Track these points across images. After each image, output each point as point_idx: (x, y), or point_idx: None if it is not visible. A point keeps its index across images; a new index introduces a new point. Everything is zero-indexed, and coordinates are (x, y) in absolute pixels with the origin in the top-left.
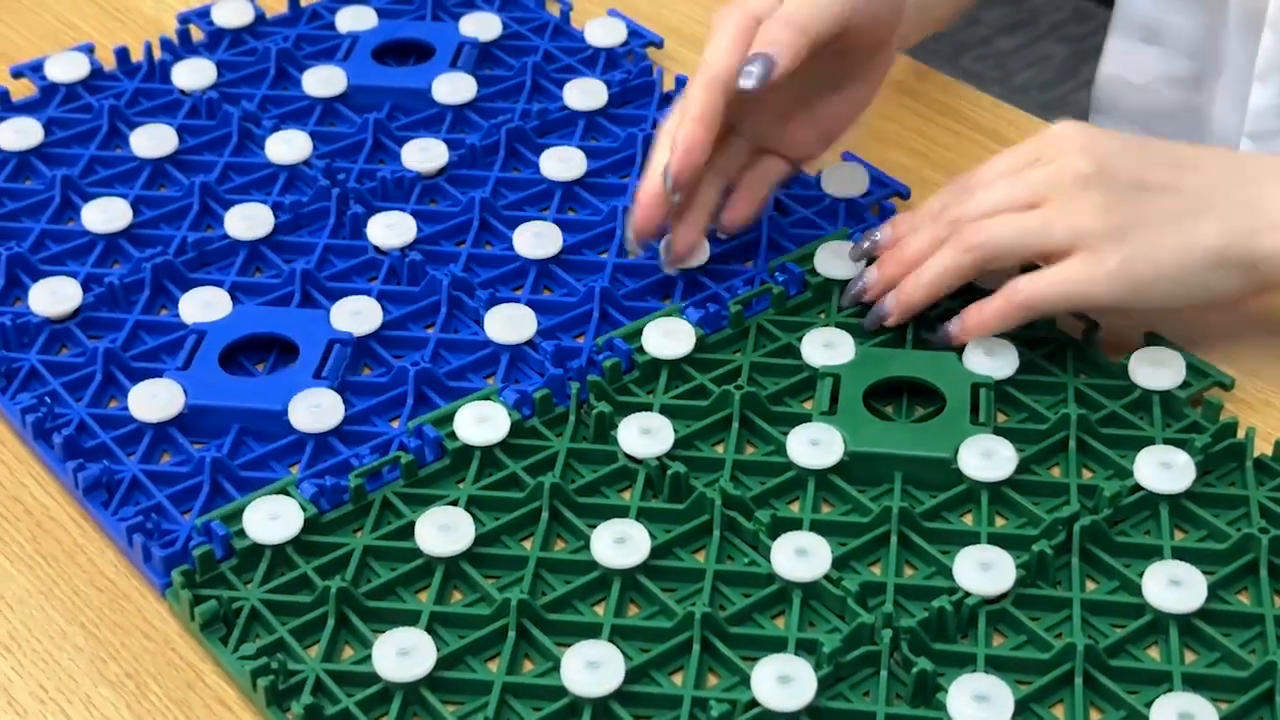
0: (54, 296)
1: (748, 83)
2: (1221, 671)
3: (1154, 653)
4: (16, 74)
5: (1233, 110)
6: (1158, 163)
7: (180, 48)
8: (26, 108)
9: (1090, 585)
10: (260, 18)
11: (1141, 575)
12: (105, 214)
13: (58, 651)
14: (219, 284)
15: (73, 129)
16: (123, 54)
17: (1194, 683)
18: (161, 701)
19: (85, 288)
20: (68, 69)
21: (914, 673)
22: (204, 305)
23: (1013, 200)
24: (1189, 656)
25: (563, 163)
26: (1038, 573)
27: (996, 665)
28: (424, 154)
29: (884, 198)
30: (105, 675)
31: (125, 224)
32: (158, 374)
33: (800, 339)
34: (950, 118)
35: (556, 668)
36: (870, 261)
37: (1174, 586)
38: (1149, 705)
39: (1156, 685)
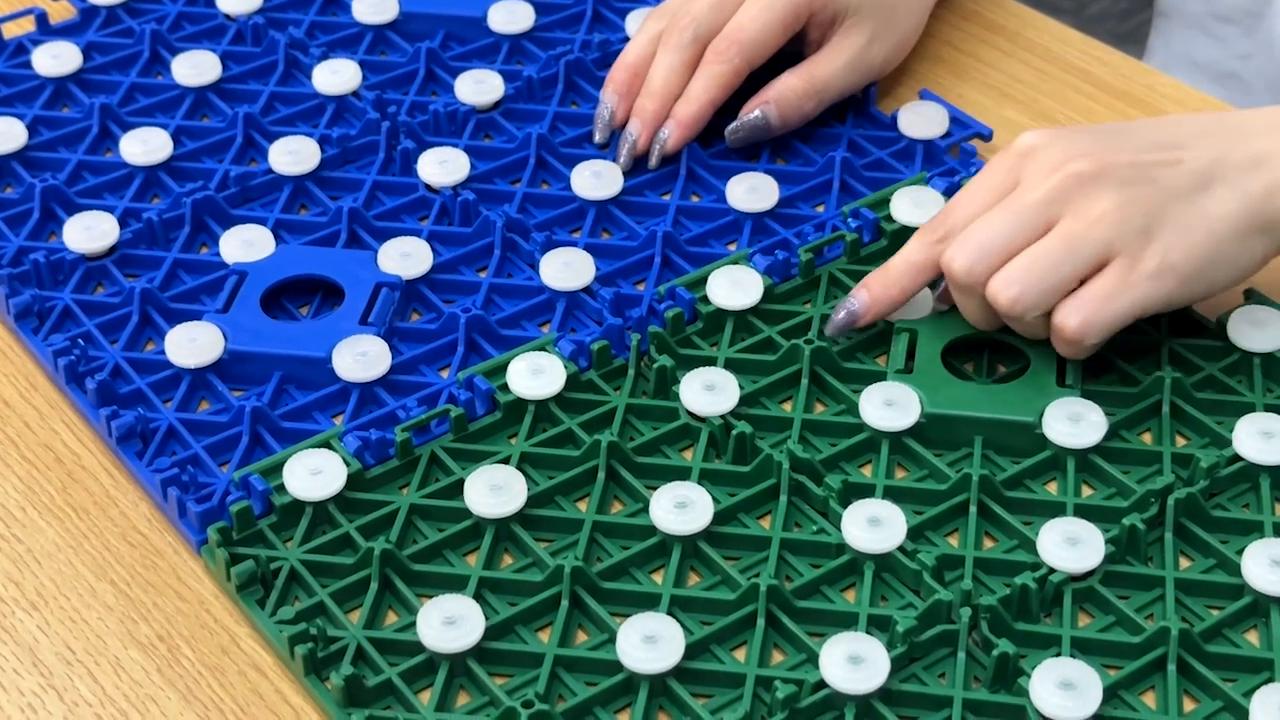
0: (89, 232)
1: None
2: None
3: (1253, 638)
4: None
5: None
6: (1148, 145)
7: None
8: (65, 31)
9: (1185, 563)
10: None
11: (1240, 553)
12: (145, 145)
13: (86, 610)
14: (262, 221)
15: (112, 54)
16: None
17: None
18: (194, 667)
19: (122, 223)
20: None
21: (994, 655)
22: (246, 244)
23: (1021, 233)
24: None
25: None
26: (1128, 548)
27: (1083, 648)
28: (479, 86)
29: (964, 139)
30: (135, 637)
31: (165, 156)
32: (196, 316)
33: None
34: (1032, 52)
35: (612, 640)
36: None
37: (1276, 566)
38: (1248, 695)
39: (1256, 673)
